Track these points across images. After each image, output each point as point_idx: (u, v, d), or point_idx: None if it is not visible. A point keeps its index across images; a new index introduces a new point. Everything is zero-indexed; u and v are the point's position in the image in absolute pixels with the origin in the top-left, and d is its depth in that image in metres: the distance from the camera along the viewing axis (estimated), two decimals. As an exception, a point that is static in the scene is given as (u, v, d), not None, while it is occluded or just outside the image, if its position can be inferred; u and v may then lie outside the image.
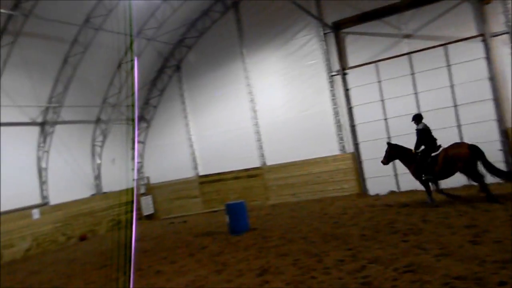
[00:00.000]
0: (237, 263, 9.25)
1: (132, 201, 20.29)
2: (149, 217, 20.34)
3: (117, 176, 19.91)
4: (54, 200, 17.04)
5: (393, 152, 12.37)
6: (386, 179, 15.70)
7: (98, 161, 19.40)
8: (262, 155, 18.86)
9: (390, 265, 7.38)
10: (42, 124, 16.98)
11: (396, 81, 15.70)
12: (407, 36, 15.63)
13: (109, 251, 13.44)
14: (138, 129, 21.40)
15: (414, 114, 12.33)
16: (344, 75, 16.68)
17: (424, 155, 11.62)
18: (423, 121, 11.95)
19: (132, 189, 20.47)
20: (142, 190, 20.84)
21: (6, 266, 13.84)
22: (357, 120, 16.55)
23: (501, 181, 12.48)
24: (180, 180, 20.43)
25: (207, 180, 20.00)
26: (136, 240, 14.74)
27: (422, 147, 11.77)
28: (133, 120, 20.67)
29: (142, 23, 17.97)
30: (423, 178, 11.81)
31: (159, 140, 21.22)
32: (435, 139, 11.72)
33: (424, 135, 11.71)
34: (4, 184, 15.22)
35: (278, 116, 18.34)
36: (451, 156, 11.17)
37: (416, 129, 11.90)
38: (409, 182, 13.42)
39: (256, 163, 18.89)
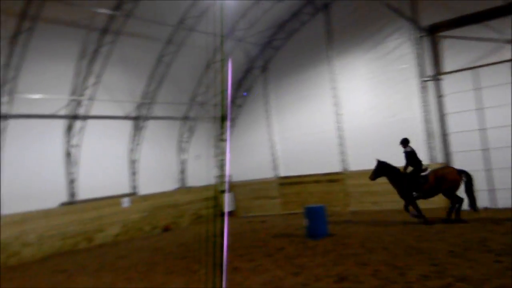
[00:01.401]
0: (315, 268, 9.10)
1: (216, 197, 20.91)
2: (229, 214, 20.77)
3: (201, 172, 20.68)
4: (142, 190, 18.06)
5: (381, 169, 13.32)
6: (480, 193, 14.57)
7: (184, 157, 20.21)
8: (344, 160, 18.45)
9: (480, 286, 6.81)
10: (136, 119, 18.06)
11: (495, 89, 14.55)
12: (510, 41, 14.40)
13: (190, 243, 13.95)
14: (223, 128, 21.97)
15: (402, 138, 13.23)
16: (437, 80, 15.78)
17: (414, 175, 12.78)
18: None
19: (215, 185, 21.11)
20: (224, 188, 21.32)
21: (97, 249, 14.89)
22: (450, 129, 15.57)
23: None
24: (260, 180, 20.64)
25: (287, 182, 20.00)
26: (214, 235, 15.16)
27: (410, 168, 12.95)
28: (223, 119, 21.31)
29: (233, 24, 18.41)
30: (414, 195, 12.78)
31: (242, 139, 21.60)
32: (421, 161, 12.98)
33: (412, 157, 12.93)
34: (100, 172, 16.46)
35: (363, 121, 17.84)
36: (441, 177, 12.46)
37: (404, 152, 13.04)
38: (506, 199, 12.34)
39: (337, 168, 18.52)
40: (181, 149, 20.25)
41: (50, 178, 15.22)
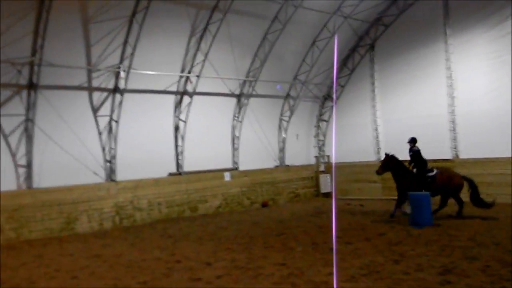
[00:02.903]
0: (417, 257, 8.64)
1: (313, 177, 20.84)
2: (326, 195, 20.58)
3: (300, 151, 20.69)
4: (242, 166, 18.58)
5: (390, 164, 13.43)
6: None
7: (284, 135, 20.32)
8: (455, 147, 17.15)
9: None
10: (239, 96, 18.49)
11: None
12: None
13: (287, 221, 14.06)
14: (324, 108, 21.63)
15: (410, 137, 13.52)
16: None
17: (422, 174, 13.05)
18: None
19: (314, 165, 21.01)
20: (322, 168, 21.13)
21: (200, 218, 15.71)
22: None
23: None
24: (360, 162, 20.01)
25: (389, 166, 19.11)
26: (311, 215, 15.16)
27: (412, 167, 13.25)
28: (326, 98, 20.98)
29: (341, 0, 17.79)
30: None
31: (344, 120, 21.00)
32: (426, 160, 13.25)
33: (418, 156, 13.20)
34: (205, 146, 17.22)
35: (480, 105, 16.34)
36: (448, 179, 13.00)
37: (413, 150, 13.31)
38: None
39: (447, 155, 17.27)
40: (281, 128, 20.37)
41: (160, 150, 16.29)
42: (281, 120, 20.36)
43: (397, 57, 19.01)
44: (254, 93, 18.69)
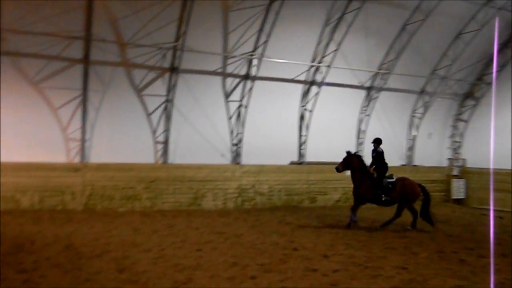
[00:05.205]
0: None
1: (445, 181, 19.25)
2: (458, 201, 18.90)
3: (432, 152, 19.28)
4: (367, 162, 17.84)
5: (350, 162, 12.24)
6: None
7: (414, 133, 19.11)
8: None
9: None
10: (369, 89, 17.81)
11: None
12: None
13: (408, 223, 13.22)
14: (464, 107, 19.80)
15: (375, 137, 12.68)
16: None
17: (381, 178, 12.14)
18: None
19: (444, 168, 19.41)
20: (455, 172, 19.42)
21: (319, 209, 15.57)
22: None
23: None
24: (501, 170, 17.92)
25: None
26: (438, 221, 14.00)
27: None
28: (466, 96, 19.25)
29: (494, -11, 16.03)
30: (383, 199, 12.05)
31: (485, 121, 18.93)
32: (387, 164, 12.30)
33: (381, 159, 12.30)
34: (328, 138, 16.95)
35: None
36: (407, 187, 12.23)
37: (377, 151, 12.37)
38: None
39: None
40: (412, 125, 19.17)
41: (284, 137, 16.52)
42: (412, 116, 19.16)
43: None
44: (385, 86, 17.84)
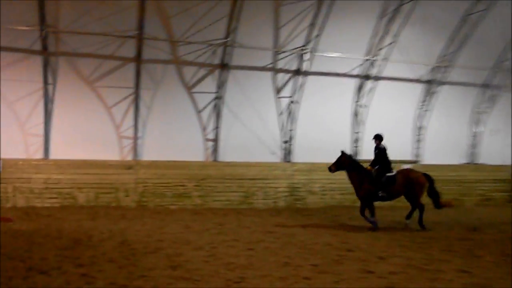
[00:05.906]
0: None
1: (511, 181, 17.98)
2: (526, 203, 17.57)
3: (497, 149, 18.04)
4: (426, 159, 17.06)
5: (343, 162, 11.49)
6: None
7: (478, 129, 17.97)
8: None
9: None
10: (428, 83, 16.93)
11: None
12: None
13: (474, 225, 12.46)
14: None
15: (376, 133, 11.71)
16: None
17: (380, 174, 11.34)
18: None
19: (510, 167, 18.11)
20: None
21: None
22: None
23: None
24: None
25: None
26: (505, 223, 13.01)
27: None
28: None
29: None
30: (380, 195, 11.34)
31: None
32: (390, 161, 11.49)
33: (384, 155, 11.47)
34: (385, 135, 16.25)
35: None
36: (411, 179, 11.49)
37: (379, 148, 11.50)
38: None
39: None
40: (475, 121, 18.01)
41: (337, 134, 15.96)
42: (476, 112, 18.01)
43: None
44: (446, 80, 16.87)
